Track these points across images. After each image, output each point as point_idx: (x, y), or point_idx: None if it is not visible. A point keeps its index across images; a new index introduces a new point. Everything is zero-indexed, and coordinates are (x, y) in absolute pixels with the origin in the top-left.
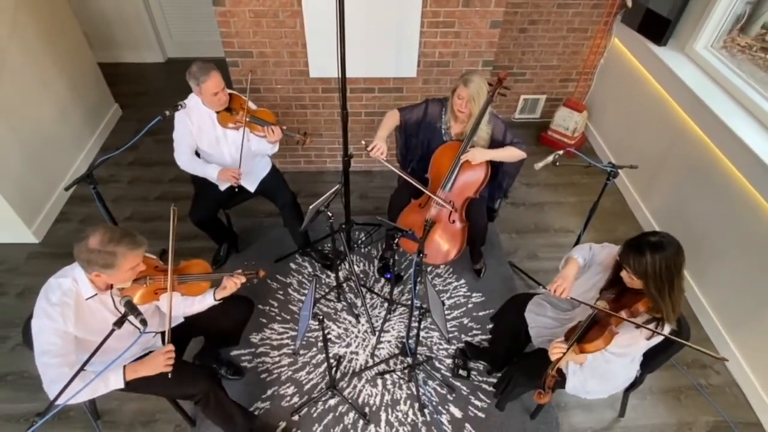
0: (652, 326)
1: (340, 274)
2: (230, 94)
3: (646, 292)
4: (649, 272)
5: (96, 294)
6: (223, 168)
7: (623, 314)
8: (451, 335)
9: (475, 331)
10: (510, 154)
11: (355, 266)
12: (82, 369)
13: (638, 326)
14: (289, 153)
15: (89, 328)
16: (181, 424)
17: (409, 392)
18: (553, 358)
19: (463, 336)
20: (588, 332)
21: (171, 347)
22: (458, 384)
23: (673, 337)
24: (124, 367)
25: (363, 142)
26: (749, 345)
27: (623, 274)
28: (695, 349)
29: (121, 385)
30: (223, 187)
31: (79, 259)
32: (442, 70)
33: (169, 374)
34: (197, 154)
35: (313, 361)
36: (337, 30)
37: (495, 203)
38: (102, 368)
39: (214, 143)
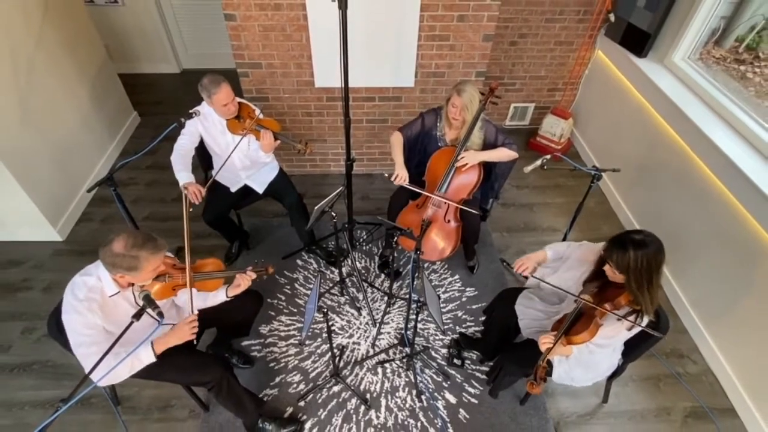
0: (632, 318)
1: (343, 270)
2: (239, 104)
3: (627, 286)
4: (631, 267)
5: (119, 291)
6: (189, 182)
7: (607, 306)
8: (446, 327)
9: (468, 323)
10: (502, 154)
11: (357, 263)
12: (104, 357)
13: (620, 318)
14: (296, 157)
15: (114, 321)
16: (195, 409)
17: (407, 380)
18: (543, 349)
19: (457, 327)
20: (574, 325)
21: (194, 316)
22: (453, 372)
23: (650, 330)
24: (152, 342)
25: (386, 174)
26: (724, 337)
27: (606, 268)
28: None
29: (153, 359)
30: (234, 188)
31: (105, 263)
32: (438, 80)
33: (195, 341)
34: (209, 159)
35: (318, 351)
36: (341, 43)
37: (487, 204)
38: (123, 357)
39: (224, 148)
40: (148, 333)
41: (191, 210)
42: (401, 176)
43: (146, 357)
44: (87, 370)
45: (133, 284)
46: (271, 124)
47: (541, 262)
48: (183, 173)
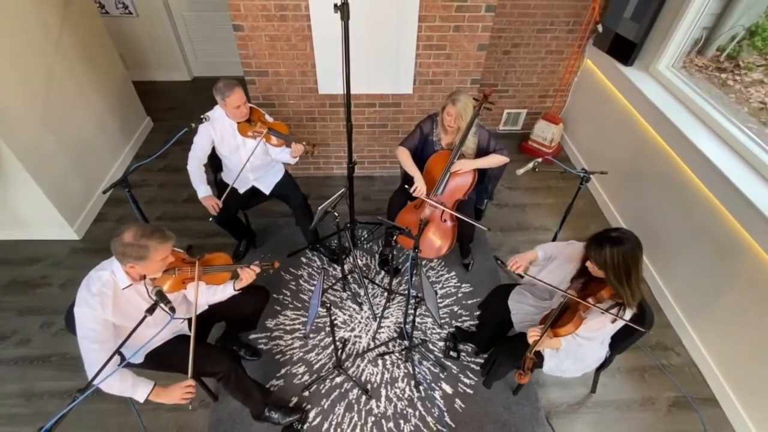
0: (615, 311)
1: (346, 267)
2: (250, 108)
3: (607, 281)
4: (608, 263)
5: (131, 284)
6: (208, 195)
7: (590, 300)
8: (443, 321)
9: (464, 317)
10: (494, 161)
11: (359, 260)
12: (117, 351)
13: (603, 311)
14: (300, 160)
15: (126, 315)
16: (205, 399)
17: (406, 371)
18: (530, 341)
19: (453, 321)
20: (560, 318)
21: (191, 382)
22: (449, 364)
23: (632, 325)
24: (155, 385)
25: (405, 186)
26: (705, 330)
27: (588, 264)
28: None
29: (141, 400)
30: (242, 190)
31: (116, 253)
32: (435, 87)
33: (190, 406)
34: (219, 162)
35: (322, 344)
36: (343, 52)
37: (482, 204)
38: (133, 352)
39: (234, 150)
40: (160, 327)
41: (210, 219)
42: (420, 189)
43: (141, 393)
44: (86, 365)
45: (144, 277)
46: (280, 127)
47: (533, 261)
48: (201, 186)
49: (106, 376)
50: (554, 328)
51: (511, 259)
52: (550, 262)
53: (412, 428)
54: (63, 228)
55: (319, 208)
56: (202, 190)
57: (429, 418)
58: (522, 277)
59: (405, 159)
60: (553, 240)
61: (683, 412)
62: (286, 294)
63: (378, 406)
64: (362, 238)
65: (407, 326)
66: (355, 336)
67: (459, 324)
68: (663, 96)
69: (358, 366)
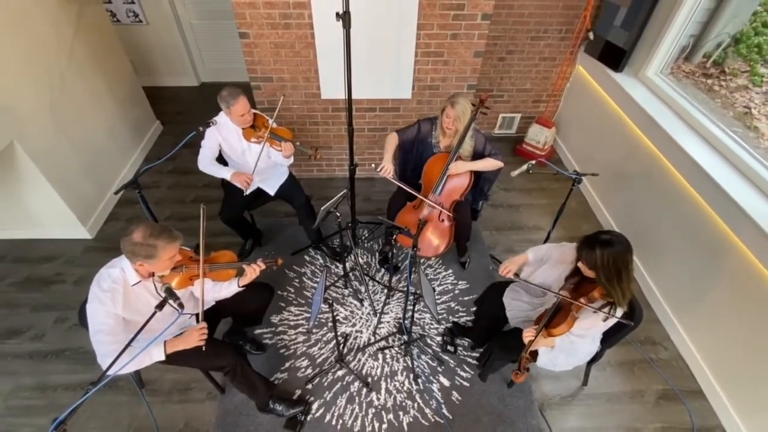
0: (606, 309)
1: (347, 264)
2: (254, 114)
3: (597, 281)
4: (598, 264)
5: (140, 281)
6: (235, 171)
7: (582, 300)
8: (440, 317)
9: (461, 313)
10: (489, 164)
11: (360, 258)
12: (129, 345)
13: (595, 311)
14: (304, 163)
15: (135, 310)
16: (212, 392)
17: (405, 365)
18: (525, 342)
19: (450, 317)
20: (554, 318)
21: (204, 324)
22: (447, 358)
23: (623, 320)
24: (165, 342)
25: (373, 165)
26: (692, 325)
27: (579, 264)
28: None
29: (162, 358)
30: (247, 191)
31: (125, 251)
32: (433, 92)
33: (203, 347)
34: (226, 164)
35: (324, 339)
36: (344, 59)
37: (478, 205)
38: (145, 345)
39: (240, 154)
40: (168, 323)
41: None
42: (387, 169)
43: (157, 355)
44: (99, 357)
45: (153, 274)
46: (284, 133)
47: (524, 264)
48: (223, 170)
49: (122, 365)
50: (548, 328)
51: (502, 265)
52: (542, 264)
53: (410, 419)
54: (76, 227)
55: (322, 208)
56: (226, 171)
57: (427, 410)
58: (516, 277)
59: (390, 142)
60: (547, 239)
61: (671, 404)
62: (290, 291)
63: (378, 399)
64: (363, 237)
65: (406, 322)
66: (356, 331)
67: (456, 319)
68: (652, 101)
69: (359, 360)
